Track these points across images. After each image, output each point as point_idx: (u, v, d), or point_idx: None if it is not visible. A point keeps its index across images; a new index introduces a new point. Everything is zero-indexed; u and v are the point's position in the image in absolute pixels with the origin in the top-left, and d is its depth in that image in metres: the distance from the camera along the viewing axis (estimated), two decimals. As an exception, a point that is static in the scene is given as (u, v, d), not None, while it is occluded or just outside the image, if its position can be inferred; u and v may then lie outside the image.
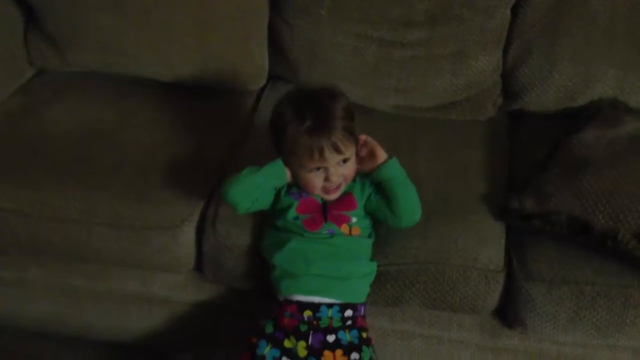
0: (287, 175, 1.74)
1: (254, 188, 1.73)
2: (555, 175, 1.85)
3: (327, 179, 1.70)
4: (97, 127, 2.13)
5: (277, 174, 1.73)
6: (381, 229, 1.82)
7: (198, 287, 2.02)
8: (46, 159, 2.00)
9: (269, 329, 1.72)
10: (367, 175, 1.79)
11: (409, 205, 1.75)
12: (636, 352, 1.86)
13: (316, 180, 1.71)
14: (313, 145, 1.64)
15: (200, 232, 1.88)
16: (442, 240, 1.79)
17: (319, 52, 2.20)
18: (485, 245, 1.79)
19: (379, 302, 1.82)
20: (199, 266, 1.94)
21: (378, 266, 1.77)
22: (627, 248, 1.69)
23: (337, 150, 1.66)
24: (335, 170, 1.69)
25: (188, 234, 1.87)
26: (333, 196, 1.75)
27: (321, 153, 1.65)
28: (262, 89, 2.34)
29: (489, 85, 2.22)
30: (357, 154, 1.76)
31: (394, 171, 1.75)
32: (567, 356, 1.89)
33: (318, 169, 1.69)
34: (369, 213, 1.80)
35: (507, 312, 1.83)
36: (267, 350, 1.70)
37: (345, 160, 1.70)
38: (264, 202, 1.78)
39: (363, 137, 1.77)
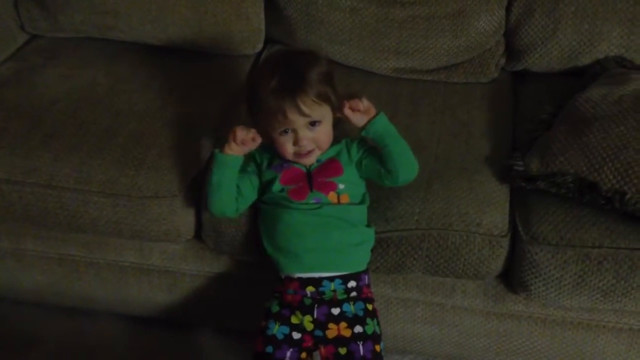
0: (243, 149, 1.70)
1: (219, 188, 1.71)
2: (561, 134, 1.83)
3: (296, 142, 1.68)
4: (90, 92, 2.10)
5: (224, 162, 1.71)
6: (382, 194, 1.79)
7: (198, 257, 2.00)
8: (39, 125, 1.96)
9: (275, 308, 1.73)
10: (353, 140, 1.77)
11: (404, 159, 1.71)
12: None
13: (287, 144, 1.69)
14: (276, 105, 1.63)
15: (199, 200, 1.86)
16: (444, 205, 1.77)
17: (315, 12, 2.17)
18: (489, 208, 1.77)
19: (381, 269, 1.80)
20: (198, 235, 1.92)
21: (379, 232, 1.75)
22: (636, 208, 1.67)
23: (301, 112, 1.63)
24: (304, 134, 1.67)
25: (186, 203, 1.85)
26: (307, 161, 1.73)
27: (284, 114, 1.63)
28: (260, 54, 2.30)
29: (492, 46, 2.20)
30: (345, 113, 1.71)
31: (385, 125, 1.73)
32: (572, 321, 1.89)
33: (287, 131, 1.67)
34: (365, 178, 1.78)
35: (512, 278, 1.82)
36: (276, 329, 1.70)
37: (314, 123, 1.67)
38: (248, 194, 1.75)
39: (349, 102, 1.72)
